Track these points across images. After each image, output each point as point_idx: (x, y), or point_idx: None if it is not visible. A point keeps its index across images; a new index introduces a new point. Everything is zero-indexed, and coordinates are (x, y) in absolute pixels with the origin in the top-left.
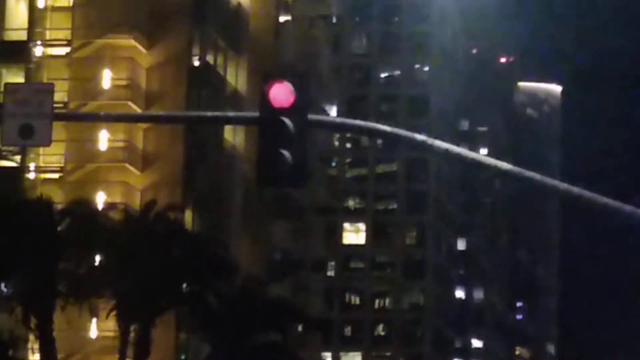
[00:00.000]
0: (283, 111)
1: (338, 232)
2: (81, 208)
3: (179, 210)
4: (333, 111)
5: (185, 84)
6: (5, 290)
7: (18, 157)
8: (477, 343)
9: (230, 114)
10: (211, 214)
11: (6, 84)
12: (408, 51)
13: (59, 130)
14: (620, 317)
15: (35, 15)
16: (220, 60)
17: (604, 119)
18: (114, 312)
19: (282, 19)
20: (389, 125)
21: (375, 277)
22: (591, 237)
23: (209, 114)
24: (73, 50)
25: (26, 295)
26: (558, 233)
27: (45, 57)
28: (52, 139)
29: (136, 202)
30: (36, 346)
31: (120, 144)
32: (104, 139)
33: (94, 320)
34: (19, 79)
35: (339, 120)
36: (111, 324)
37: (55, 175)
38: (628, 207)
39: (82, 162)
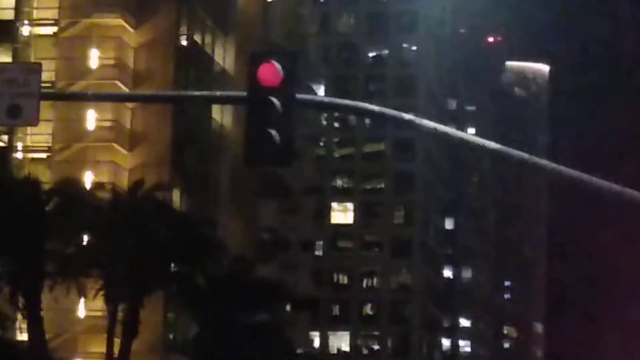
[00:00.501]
0: (271, 90)
1: (326, 211)
2: (69, 188)
3: (167, 190)
4: (321, 90)
5: (172, 63)
6: None
7: (5, 137)
8: (465, 322)
9: (218, 93)
10: (199, 194)
11: None
12: (396, 30)
13: (46, 109)
14: (608, 295)
15: None
16: (207, 39)
17: (592, 98)
18: (102, 292)
19: None
20: (377, 104)
21: (363, 257)
22: (578, 216)
23: (197, 93)
24: (60, 30)
25: (14, 275)
26: (545, 212)
27: (32, 36)
28: (39, 119)
29: (124, 182)
30: (24, 326)
31: (108, 124)
32: (91, 118)
33: (82, 300)
34: (6, 58)
35: (327, 99)
36: (99, 304)
37: (43, 155)
38: (614, 186)
39: (69, 141)
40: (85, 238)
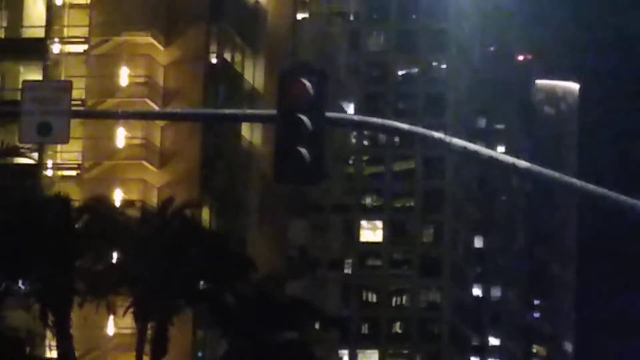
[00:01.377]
0: (300, 109)
1: (355, 229)
2: (98, 205)
3: (196, 208)
4: (350, 109)
5: (202, 81)
6: (23, 287)
7: (36, 155)
8: (494, 341)
9: (248, 111)
10: (228, 212)
11: (24, 82)
12: (425, 48)
13: (76, 127)
14: (638, 315)
15: (53, 13)
16: (237, 57)
17: (622, 117)
18: (131, 310)
19: (299, 16)
20: (407, 122)
21: (392, 275)
22: (608, 235)
23: (227, 111)
24: (90, 48)
25: (44, 293)
26: (575, 231)
27: (62, 54)
28: (69, 136)
29: (153, 200)
30: (53, 343)
31: (138, 141)
32: (121, 136)
33: (111, 317)
34: (37, 76)
35: (357, 117)
36: (128, 322)
37: (73, 173)
38: None
39: (99, 159)
40: (115, 256)
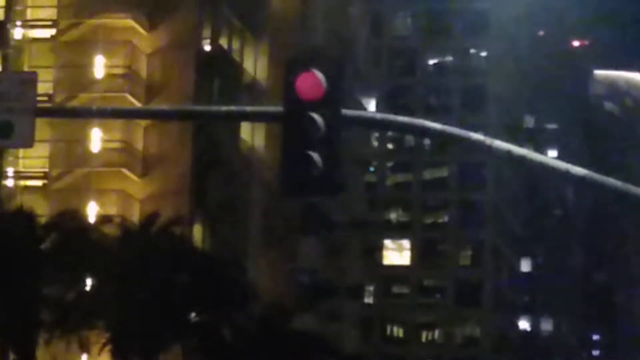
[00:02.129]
0: (312, 105)
1: (378, 250)
2: (69, 221)
3: (187, 224)
4: (372, 105)
5: (193, 72)
6: None
7: None
8: None
9: (248, 108)
10: (225, 229)
11: None
12: (461, 33)
13: (42, 128)
14: None
15: None
16: (235, 44)
17: None
18: (108, 347)
19: None
20: (439, 122)
21: (422, 305)
22: None
23: (223, 108)
24: (59, 33)
25: (4, 326)
26: None
27: (26, 40)
28: (34, 139)
29: (135, 215)
30: None
31: (116, 145)
32: (96, 138)
33: (85, 356)
34: None
35: (379, 116)
36: None
37: (39, 183)
38: None
39: (70, 166)
40: (89, 282)
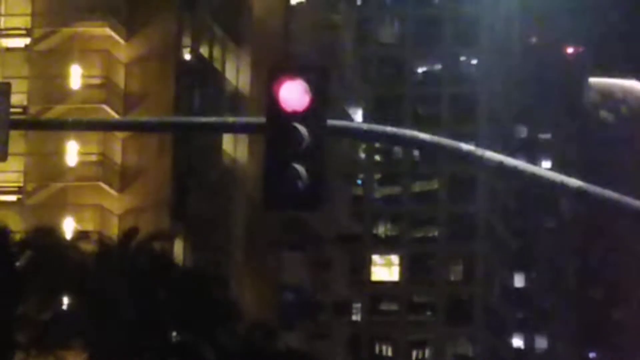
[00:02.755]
0: (296, 116)
1: (365, 266)
2: (45, 238)
3: (167, 240)
4: (358, 115)
5: (173, 82)
6: None
7: None
8: None
9: (230, 119)
10: (207, 245)
11: None
12: (451, 40)
13: (17, 141)
14: None
15: None
16: (217, 52)
17: None
18: None
19: (293, 1)
20: (429, 132)
21: (411, 322)
22: None
23: (204, 119)
24: (34, 42)
25: None
26: None
27: None
28: (8, 153)
29: (113, 230)
30: None
31: (93, 158)
32: (73, 151)
33: None
34: None
35: (366, 126)
36: None
37: (13, 197)
38: None
39: (45, 180)
40: (66, 301)
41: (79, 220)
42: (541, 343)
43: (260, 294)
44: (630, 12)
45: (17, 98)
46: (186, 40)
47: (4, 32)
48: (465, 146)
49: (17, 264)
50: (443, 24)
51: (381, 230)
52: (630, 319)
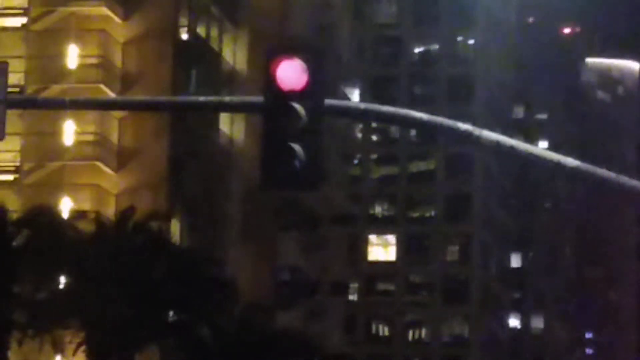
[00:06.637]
0: (293, 95)
1: (362, 246)
2: (42, 217)
3: (164, 219)
4: (355, 95)
5: (170, 62)
6: None
7: None
8: None
9: (227, 99)
10: (203, 224)
11: None
12: (448, 20)
13: (13, 120)
14: None
15: None
16: (214, 32)
17: None
18: (83, 347)
19: None
20: (426, 112)
21: (408, 302)
22: None
23: (201, 99)
24: (31, 21)
25: None
26: (637, 246)
27: None
28: (4, 132)
29: (110, 210)
30: None
31: (90, 138)
32: (69, 131)
33: (59, 356)
34: None
35: (363, 106)
36: None
37: (10, 177)
38: None
39: (42, 160)
40: (63, 280)
41: (75, 200)
42: (538, 323)
43: (256, 273)
44: None
45: (14, 77)
46: (183, 20)
47: (1, 12)
48: (463, 126)
49: (14, 243)
50: (440, 4)
51: (378, 210)
52: (626, 299)
